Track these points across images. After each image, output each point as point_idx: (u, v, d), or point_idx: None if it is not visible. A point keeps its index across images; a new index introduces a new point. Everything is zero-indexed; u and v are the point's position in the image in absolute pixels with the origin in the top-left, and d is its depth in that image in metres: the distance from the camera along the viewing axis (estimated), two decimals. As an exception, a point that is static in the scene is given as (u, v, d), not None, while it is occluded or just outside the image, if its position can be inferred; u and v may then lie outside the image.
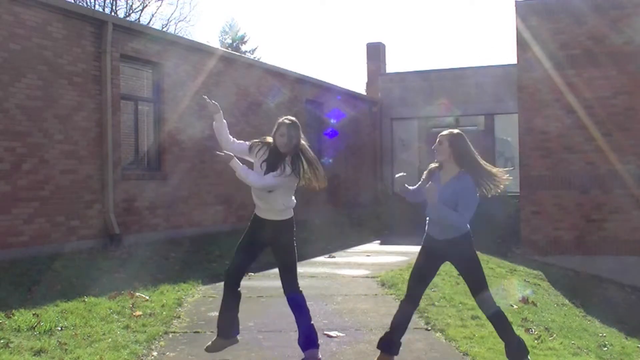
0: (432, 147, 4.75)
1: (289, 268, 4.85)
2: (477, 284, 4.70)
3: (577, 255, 13.36)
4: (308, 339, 4.76)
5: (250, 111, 13.61)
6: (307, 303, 4.87)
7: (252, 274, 8.44)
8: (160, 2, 45.99)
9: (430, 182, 4.53)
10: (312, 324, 4.81)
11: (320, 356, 4.78)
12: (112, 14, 26.84)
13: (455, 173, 4.64)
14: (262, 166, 4.80)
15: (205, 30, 59.75)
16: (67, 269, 7.86)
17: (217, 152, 4.85)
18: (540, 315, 7.81)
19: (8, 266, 7.66)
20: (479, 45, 62.51)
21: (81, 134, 9.48)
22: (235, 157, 4.74)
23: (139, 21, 29.23)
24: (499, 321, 4.69)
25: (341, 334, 5.67)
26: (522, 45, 13.89)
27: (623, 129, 13.20)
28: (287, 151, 4.78)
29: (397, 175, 4.77)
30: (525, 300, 8.23)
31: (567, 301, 10.13)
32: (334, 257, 10.98)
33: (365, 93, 20.97)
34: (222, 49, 18.47)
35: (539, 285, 10.48)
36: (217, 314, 4.99)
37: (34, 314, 5.81)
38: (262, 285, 7.74)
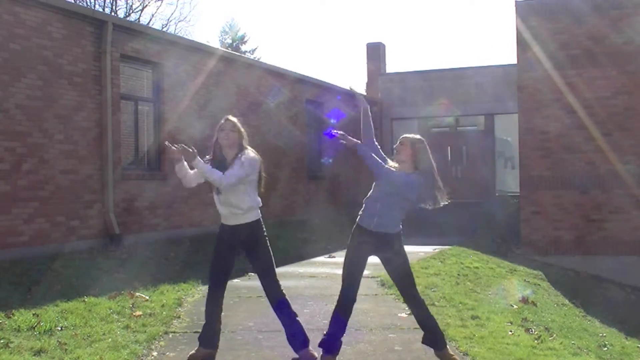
0: (394, 147, 4.79)
1: (267, 271, 4.82)
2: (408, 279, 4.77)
3: (577, 255, 13.37)
4: (304, 339, 4.76)
5: (250, 111, 13.61)
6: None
7: (252, 274, 8.44)
8: (160, 2, 45.96)
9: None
10: (300, 323, 4.81)
11: (314, 353, 4.79)
12: (112, 14, 26.83)
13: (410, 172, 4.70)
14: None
15: (205, 30, 59.81)
16: (67, 269, 7.86)
17: (170, 145, 4.76)
18: (540, 315, 7.82)
19: (8, 266, 7.65)
20: (479, 45, 62.53)
21: (81, 134, 9.48)
22: (197, 156, 4.64)
23: (139, 21, 29.23)
24: (430, 322, 4.80)
25: (341, 334, 5.65)
26: (522, 45, 13.89)
27: (623, 129, 13.21)
28: (233, 148, 4.74)
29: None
30: (525, 300, 8.23)
31: (567, 301, 10.13)
32: (334, 257, 10.98)
33: (365, 93, 20.96)
34: (222, 49, 18.46)
35: (539, 285, 10.49)
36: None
37: (34, 314, 5.80)
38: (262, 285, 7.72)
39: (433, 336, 4.77)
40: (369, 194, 4.79)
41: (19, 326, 5.45)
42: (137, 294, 6.93)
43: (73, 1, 18.89)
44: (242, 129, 4.81)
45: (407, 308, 6.67)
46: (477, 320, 6.33)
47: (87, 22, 9.64)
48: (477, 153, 19.23)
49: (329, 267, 9.80)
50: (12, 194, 8.38)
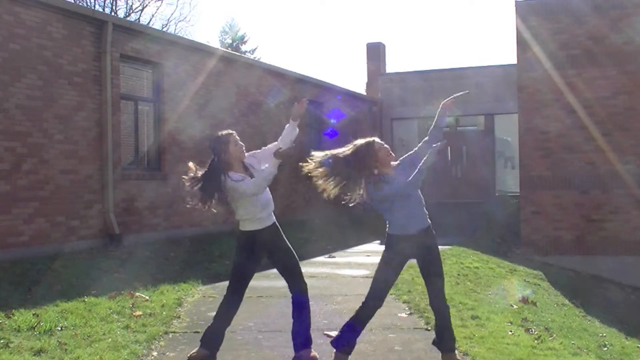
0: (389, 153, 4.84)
1: (294, 268, 4.82)
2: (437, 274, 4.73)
3: (577, 255, 13.36)
4: (307, 339, 4.76)
5: (250, 111, 13.61)
6: None
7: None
8: (160, 2, 45.96)
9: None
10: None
11: (315, 354, 4.80)
12: (112, 14, 26.83)
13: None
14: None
15: (205, 30, 59.80)
16: (67, 269, 7.86)
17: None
18: (540, 315, 7.82)
19: (8, 266, 7.65)
20: (479, 45, 62.54)
21: (81, 134, 9.48)
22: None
23: (139, 21, 29.23)
24: (446, 324, 4.75)
25: (341, 334, 5.66)
26: (522, 45, 13.89)
27: (623, 129, 13.20)
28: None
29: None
30: (525, 300, 8.23)
31: (567, 301, 10.13)
32: (334, 257, 10.99)
33: (365, 93, 20.97)
34: (222, 49, 18.47)
35: (539, 285, 10.49)
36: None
37: (34, 314, 5.80)
38: (262, 285, 7.73)
39: (442, 335, 4.75)
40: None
41: (19, 326, 5.45)
42: (137, 294, 6.93)
43: (73, 1, 18.89)
44: None
45: (407, 308, 6.69)
46: (477, 320, 6.33)
47: (87, 22, 9.64)
48: (477, 153, 19.23)
49: (329, 267, 9.81)
50: (12, 194, 8.38)
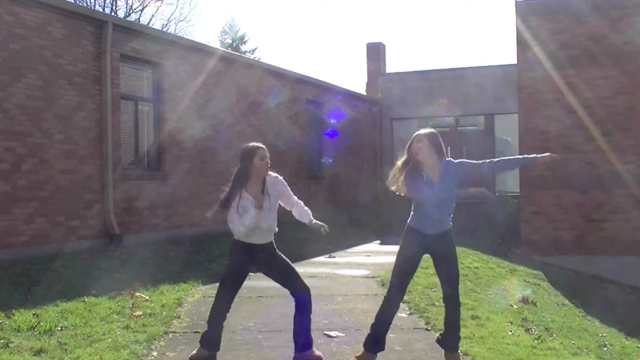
0: (409, 150, 4.74)
1: (291, 269, 4.84)
2: (453, 278, 4.74)
3: (577, 255, 13.36)
4: (309, 340, 4.76)
5: (250, 111, 13.61)
6: None
7: (252, 274, 8.43)
8: (160, 2, 45.93)
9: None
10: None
11: (319, 353, 4.79)
12: (112, 14, 26.84)
13: (440, 165, 4.69)
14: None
15: (205, 30, 59.79)
16: (67, 269, 7.86)
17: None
18: (540, 315, 7.81)
19: (8, 266, 7.65)
20: (479, 45, 62.55)
21: (81, 134, 9.48)
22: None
23: (139, 21, 29.24)
24: (455, 314, 4.78)
25: (341, 334, 5.67)
26: (522, 45, 13.89)
27: (623, 129, 13.20)
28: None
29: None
30: (525, 300, 8.23)
31: (567, 301, 10.12)
32: (334, 257, 10.98)
33: (365, 93, 20.97)
34: (222, 49, 18.47)
35: (539, 285, 10.48)
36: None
37: (34, 314, 5.80)
38: (262, 285, 7.73)
39: (450, 335, 4.76)
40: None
41: (19, 326, 5.45)
42: (137, 294, 6.92)
43: (73, 1, 18.89)
44: None
45: (407, 308, 6.69)
46: (477, 320, 6.33)
47: (87, 22, 9.64)
48: (477, 153, 19.19)
49: (328, 267, 9.80)
50: (12, 194, 8.38)
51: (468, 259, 10.91)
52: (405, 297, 7.13)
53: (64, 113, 9.20)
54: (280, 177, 4.89)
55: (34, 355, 4.82)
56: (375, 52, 21.54)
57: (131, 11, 30.49)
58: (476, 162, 4.77)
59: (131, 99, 10.74)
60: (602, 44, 13.40)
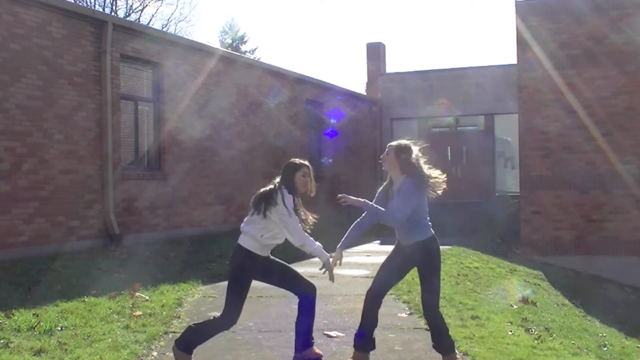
0: (380, 158, 4.81)
1: (289, 270, 4.83)
2: (429, 285, 4.70)
3: (577, 255, 13.36)
4: (310, 339, 4.76)
5: (250, 111, 13.61)
6: None
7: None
8: (160, 2, 45.94)
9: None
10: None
11: (319, 352, 4.79)
12: (112, 14, 26.84)
13: (400, 180, 4.68)
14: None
15: (205, 30, 59.80)
16: (67, 269, 7.86)
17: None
18: (540, 315, 7.82)
19: (8, 266, 7.65)
20: (479, 45, 62.55)
21: (81, 134, 9.48)
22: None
23: (139, 21, 29.24)
24: (438, 330, 4.69)
25: (341, 334, 5.67)
26: (522, 45, 13.89)
27: (623, 129, 13.20)
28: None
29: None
30: (525, 300, 8.23)
31: (567, 301, 10.13)
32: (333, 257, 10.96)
33: (365, 93, 20.97)
34: (222, 49, 18.47)
35: (539, 285, 10.49)
36: (217, 314, 4.76)
37: (34, 314, 5.80)
38: (262, 285, 7.73)
39: (437, 339, 4.74)
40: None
41: (19, 326, 5.45)
42: (137, 294, 6.92)
43: (73, 1, 18.89)
44: None
45: (407, 308, 6.69)
46: (477, 320, 6.33)
47: (87, 22, 9.64)
48: (477, 153, 19.23)
49: (329, 267, 9.78)
50: (12, 194, 8.38)
51: (468, 259, 10.92)
52: (405, 297, 7.15)
53: (64, 113, 9.20)
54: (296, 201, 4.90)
55: (34, 355, 4.82)
56: (375, 52, 21.54)
57: (131, 11, 30.53)
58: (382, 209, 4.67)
59: (131, 99, 10.74)
60: (602, 44, 13.40)
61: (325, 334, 5.62)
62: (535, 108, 13.83)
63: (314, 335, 4.86)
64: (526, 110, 13.96)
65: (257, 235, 4.58)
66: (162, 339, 5.46)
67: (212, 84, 12.37)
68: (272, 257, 4.80)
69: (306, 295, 4.73)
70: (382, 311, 6.58)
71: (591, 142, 13.35)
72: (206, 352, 5.00)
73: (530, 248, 13.61)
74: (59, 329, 5.51)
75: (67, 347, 5.01)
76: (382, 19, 66.04)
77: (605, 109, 13.30)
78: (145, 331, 5.58)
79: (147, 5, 40.13)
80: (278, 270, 4.79)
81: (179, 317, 6.25)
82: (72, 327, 5.58)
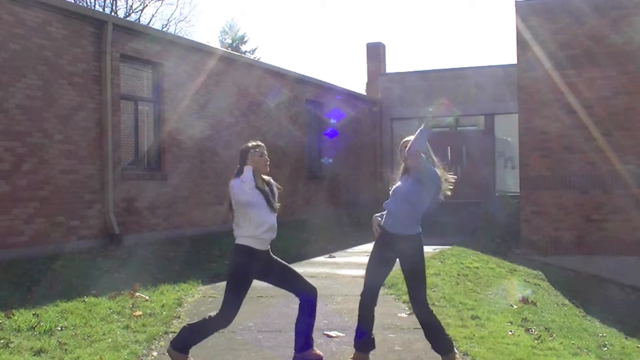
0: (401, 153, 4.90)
1: (289, 270, 4.81)
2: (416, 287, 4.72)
3: (577, 255, 13.35)
4: (310, 340, 4.76)
5: (250, 111, 13.61)
6: None
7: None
8: (160, 2, 45.93)
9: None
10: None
11: (319, 352, 4.79)
12: (112, 14, 26.84)
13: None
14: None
15: (205, 30, 59.77)
16: (67, 269, 7.86)
17: None
18: (540, 315, 7.81)
19: (8, 266, 7.66)
20: (479, 45, 62.55)
21: (81, 134, 9.48)
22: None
23: (139, 21, 29.24)
24: (429, 327, 4.71)
25: (341, 334, 5.66)
26: (522, 45, 13.88)
27: (623, 129, 13.19)
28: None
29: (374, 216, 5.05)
30: (525, 300, 8.23)
31: (567, 301, 10.12)
32: (334, 257, 10.98)
33: (365, 93, 20.98)
34: (222, 49, 18.48)
35: (539, 285, 10.48)
36: (213, 313, 4.74)
37: (34, 314, 5.81)
38: (262, 285, 7.73)
39: (436, 340, 4.74)
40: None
41: (19, 326, 5.45)
42: (137, 294, 6.92)
43: (73, 1, 18.90)
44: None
45: (407, 308, 6.69)
46: (477, 320, 6.33)
47: (87, 22, 9.65)
48: (477, 153, 19.23)
49: (328, 267, 9.80)
50: (12, 194, 8.38)
51: (468, 259, 10.91)
52: (405, 297, 7.13)
53: (64, 113, 9.20)
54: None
55: (34, 355, 4.82)
56: (375, 52, 21.54)
57: (131, 11, 30.53)
58: None
59: (131, 99, 10.74)
60: (602, 44, 13.39)
61: (325, 334, 5.62)
62: (535, 108, 13.82)
63: (314, 335, 4.86)
64: (526, 110, 13.95)
65: (245, 230, 4.58)
66: (162, 339, 5.46)
67: (212, 84, 12.37)
68: (273, 255, 4.78)
69: (307, 296, 4.72)
70: (382, 311, 6.59)
71: (591, 142, 13.34)
72: (206, 352, 5.01)
73: (530, 248, 13.61)
74: (59, 329, 5.51)
75: (67, 347, 5.01)
76: (382, 19, 66.08)
77: (605, 109, 13.29)
78: (145, 331, 5.58)
79: (147, 5, 40.15)
80: (278, 269, 4.76)
81: (179, 317, 6.25)
82: (72, 327, 5.58)
